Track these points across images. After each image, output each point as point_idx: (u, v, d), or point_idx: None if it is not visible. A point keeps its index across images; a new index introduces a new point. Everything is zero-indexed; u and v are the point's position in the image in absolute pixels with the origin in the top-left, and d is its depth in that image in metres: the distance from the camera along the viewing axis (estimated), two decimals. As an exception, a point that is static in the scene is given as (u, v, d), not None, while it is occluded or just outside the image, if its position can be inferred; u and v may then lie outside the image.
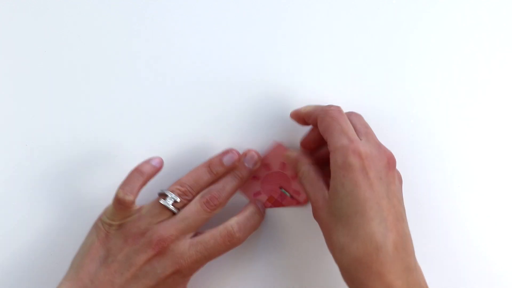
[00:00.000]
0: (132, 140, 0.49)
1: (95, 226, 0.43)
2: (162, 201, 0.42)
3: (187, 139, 0.48)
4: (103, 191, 0.48)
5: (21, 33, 0.50)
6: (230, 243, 0.43)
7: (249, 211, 0.45)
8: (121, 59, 0.49)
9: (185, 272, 0.42)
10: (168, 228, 0.41)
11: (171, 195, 0.43)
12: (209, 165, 0.44)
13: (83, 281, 0.41)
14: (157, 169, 0.44)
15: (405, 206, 0.40)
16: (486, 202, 0.47)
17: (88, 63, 0.49)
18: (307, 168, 0.42)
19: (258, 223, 0.45)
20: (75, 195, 0.49)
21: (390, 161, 0.40)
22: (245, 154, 0.45)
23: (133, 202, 0.42)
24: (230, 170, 0.45)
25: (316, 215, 0.41)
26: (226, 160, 0.45)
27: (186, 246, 0.41)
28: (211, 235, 0.42)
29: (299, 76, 0.48)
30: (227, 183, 0.44)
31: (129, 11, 0.49)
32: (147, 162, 0.44)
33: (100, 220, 0.43)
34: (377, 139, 0.41)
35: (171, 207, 0.42)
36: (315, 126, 0.43)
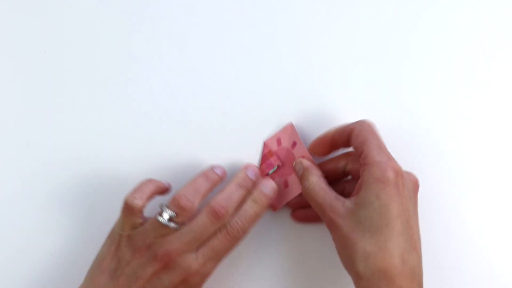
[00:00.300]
0: (132, 139, 0.49)
1: (109, 237, 0.44)
2: (159, 218, 0.42)
3: (187, 139, 0.48)
4: (103, 190, 0.48)
5: (21, 33, 0.50)
6: (234, 239, 0.43)
7: (249, 201, 0.44)
8: (121, 59, 0.49)
9: (193, 280, 0.42)
10: (173, 242, 0.41)
11: (166, 211, 0.42)
12: (206, 173, 0.44)
13: None
14: (165, 187, 0.45)
15: None
16: (486, 202, 0.47)
17: (88, 63, 0.49)
18: (316, 179, 0.43)
19: (260, 211, 0.44)
20: (75, 195, 0.49)
21: (416, 185, 0.42)
22: (246, 168, 0.45)
23: (141, 208, 0.42)
24: (222, 180, 0.45)
25: (334, 223, 0.40)
26: (218, 171, 0.45)
27: (193, 256, 0.41)
28: (215, 237, 0.42)
29: (298, 77, 0.48)
30: (233, 192, 0.43)
31: (129, 11, 0.49)
32: (156, 180, 0.44)
33: (112, 231, 0.44)
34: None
35: (169, 223, 0.41)
36: (344, 144, 0.43)
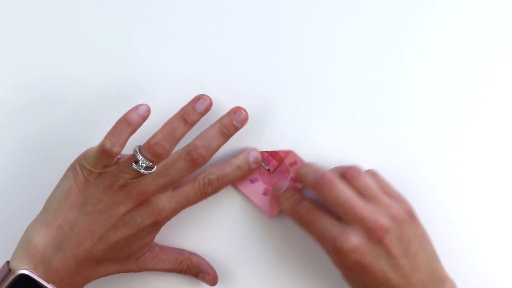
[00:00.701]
0: (132, 139, 0.49)
1: (73, 169, 0.43)
2: (134, 166, 0.41)
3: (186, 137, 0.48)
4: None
5: (21, 33, 0.50)
6: (206, 195, 0.43)
7: (233, 164, 0.44)
8: (121, 58, 0.49)
9: (162, 222, 0.43)
10: (149, 183, 0.41)
11: (142, 160, 0.41)
12: (182, 115, 0.43)
13: (63, 228, 0.41)
14: (144, 118, 0.42)
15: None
16: (486, 202, 0.47)
17: (88, 63, 0.49)
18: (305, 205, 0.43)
19: (240, 177, 0.45)
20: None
21: (378, 236, 0.40)
22: (234, 111, 0.45)
23: (119, 154, 0.42)
24: (202, 115, 0.44)
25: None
26: (199, 106, 0.43)
27: (167, 198, 0.42)
28: (191, 187, 0.43)
29: (298, 77, 0.48)
30: (213, 141, 0.43)
31: (129, 11, 0.49)
32: (134, 110, 0.42)
33: (79, 164, 0.42)
34: (387, 195, 0.43)
35: (145, 171, 0.41)
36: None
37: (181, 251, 0.46)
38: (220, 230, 0.48)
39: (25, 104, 0.49)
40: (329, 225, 0.41)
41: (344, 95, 0.48)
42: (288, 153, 0.47)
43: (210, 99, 0.44)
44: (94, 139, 0.48)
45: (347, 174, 0.43)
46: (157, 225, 0.43)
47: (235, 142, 0.47)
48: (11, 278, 0.40)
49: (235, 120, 0.44)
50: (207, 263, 0.46)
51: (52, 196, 0.43)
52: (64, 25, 0.50)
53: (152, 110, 0.48)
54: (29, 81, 0.49)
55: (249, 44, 0.49)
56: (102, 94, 0.49)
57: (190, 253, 0.46)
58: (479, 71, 0.48)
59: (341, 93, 0.48)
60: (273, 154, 0.47)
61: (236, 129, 0.44)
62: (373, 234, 0.40)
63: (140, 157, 0.41)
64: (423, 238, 0.42)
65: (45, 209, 0.42)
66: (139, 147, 0.42)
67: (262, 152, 0.47)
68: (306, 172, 0.44)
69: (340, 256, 0.40)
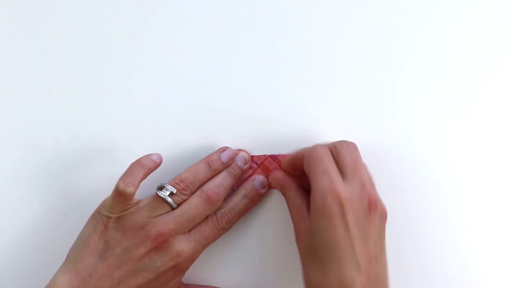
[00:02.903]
0: (132, 139, 0.49)
1: (93, 218, 0.43)
2: (159, 193, 0.42)
3: (186, 138, 0.48)
4: (103, 191, 0.48)
5: (21, 33, 0.50)
6: (222, 230, 0.44)
7: (240, 194, 0.46)
8: (121, 58, 0.49)
9: (184, 264, 0.42)
10: (167, 222, 0.42)
11: (168, 187, 0.43)
12: (208, 161, 0.45)
13: (81, 274, 0.41)
14: (157, 164, 0.44)
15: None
16: (486, 202, 0.47)
17: (88, 63, 0.49)
18: (292, 194, 0.43)
19: (248, 206, 0.46)
20: (75, 196, 0.49)
21: (371, 203, 0.40)
22: (236, 154, 0.47)
23: (133, 194, 0.42)
24: (226, 166, 0.46)
25: (297, 243, 0.42)
26: (224, 156, 0.46)
27: (186, 239, 0.42)
28: (206, 224, 0.43)
29: (299, 77, 0.48)
30: (224, 179, 0.45)
31: (129, 11, 0.49)
32: (148, 156, 0.44)
33: (98, 212, 0.43)
34: (365, 175, 0.41)
35: (168, 199, 0.42)
36: (302, 170, 0.43)
37: None
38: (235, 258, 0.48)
39: (25, 104, 0.49)
40: (333, 170, 0.40)
41: (344, 96, 0.48)
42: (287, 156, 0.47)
43: (234, 152, 0.46)
44: (94, 139, 0.49)
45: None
46: (178, 269, 0.42)
47: (237, 145, 0.48)
48: None
49: (239, 162, 0.46)
50: None
51: (73, 245, 0.43)
52: (64, 25, 0.50)
53: (153, 110, 0.49)
54: (29, 81, 0.49)
55: (250, 44, 0.49)
56: (102, 94, 0.49)
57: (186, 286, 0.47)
58: (479, 72, 0.48)
59: (341, 94, 0.48)
60: (273, 157, 0.47)
61: (240, 169, 0.46)
62: (367, 197, 0.40)
63: (165, 184, 0.43)
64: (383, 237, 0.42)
65: (67, 258, 0.43)
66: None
67: (263, 156, 0.47)
68: (298, 151, 0.44)
69: (330, 198, 0.39)
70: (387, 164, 0.47)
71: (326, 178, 0.39)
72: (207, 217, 0.44)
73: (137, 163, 0.43)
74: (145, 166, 0.43)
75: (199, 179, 0.44)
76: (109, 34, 0.49)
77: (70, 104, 0.49)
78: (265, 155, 0.47)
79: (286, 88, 0.48)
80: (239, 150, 0.47)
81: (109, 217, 0.42)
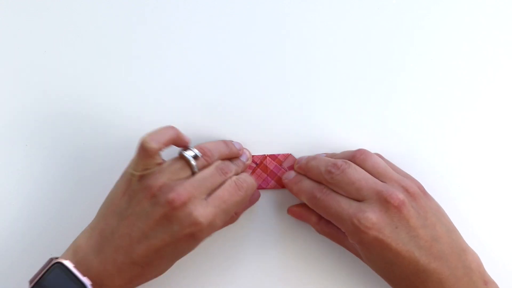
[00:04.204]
0: (133, 140, 0.49)
1: (121, 177, 0.43)
2: (183, 152, 0.42)
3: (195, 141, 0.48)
4: (103, 191, 0.48)
5: (21, 33, 0.50)
6: (240, 190, 0.43)
7: (246, 175, 0.45)
8: (121, 58, 0.49)
9: (201, 234, 0.41)
10: (186, 186, 0.41)
11: (193, 149, 0.43)
12: (224, 141, 0.46)
13: (105, 232, 0.41)
14: (186, 139, 0.44)
15: (439, 210, 0.42)
16: (486, 202, 0.47)
17: (88, 63, 0.49)
18: (317, 228, 0.46)
19: (256, 183, 0.46)
20: (75, 195, 0.49)
21: (396, 205, 0.41)
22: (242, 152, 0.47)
23: (156, 151, 0.42)
24: (240, 152, 0.47)
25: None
26: (236, 144, 0.47)
27: (203, 204, 0.41)
28: (222, 189, 0.42)
29: (300, 76, 0.48)
30: (233, 166, 0.45)
31: (129, 11, 0.49)
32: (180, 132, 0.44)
33: (125, 171, 0.43)
34: (373, 180, 0.43)
35: (192, 161, 0.42)
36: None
37: None
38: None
39: (25, 104, 0.49)
40: (346, 205, 0.41)
41: (343, 96, 0.48)
42: (287, 156, 0.47)
43: (240, 145, 0.47)
44: (94, 139, 0.49)
45: (355, 157, 0.44)
46: (195, 237, 0.41)
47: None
48: (49, 265, 0.41)
49: (243, 158, 0.47)
50: None
51: (103, 202, 0.44)
52: (64, 25, 0.50)
53: (153, 110, 0.49)
54: (29, 81, 0.49)
55: (251, 43, 0.49)
56: (102, 94, 0.49)
57: None
58: (479, 74, 0.48)
59: (340, 94, 0.48)
60: (273, 157, 0.47)
61: (245, 164, 0.47)
62: (390, 206, 0.40)
63: (190, 147, 0.43)
64: (438, 211, 0.42)
65: (96, 215, 0.43)
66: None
67: (262, 156, 0.47)
68: (317, 163, 0.44)
69: (359, 234, 0.40)
70: (387, 164, 0.47)
71: (346, 219, 0.41)
72: (223, 183, 0.43)
73: (168, 125, 0.43)
74: (175, 130, 0.43)
75: (220, 151, 0.44)
76: (109, 34, 0.49)
77: (70, 104, 0.49)
78: (264, 155, 0.47)
79: (286, 88, 0.48)
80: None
81: (132, 175, 0.42)
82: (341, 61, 0.48)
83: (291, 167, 0.47)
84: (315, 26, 0.48)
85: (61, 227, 0.48)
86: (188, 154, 0.42)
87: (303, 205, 0.46)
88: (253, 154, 0.47)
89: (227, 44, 0.49)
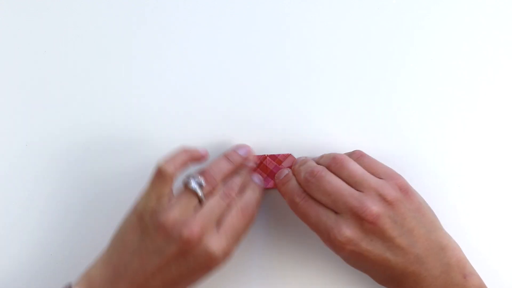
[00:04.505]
0: (133, 140, 0.49)
1: (132, 211, 0.43)
2: (188, 184, 0.42)
3: (185, 139, 0.48)
4: (104, 191, 0.48)
5: (21, 33, 0.50)
6: (246, 215, 0.43)
7: (251, 188, 0.45)
8: (121, 58, 0.49)
9: (217, 265, 0.42)
10: (198, 220, 0.41)
11: (196, 177, 0.43)
12: (225, 155, 0.45)
13: (119, 268, 0.42)
14: (202, 156, 0.44)
15: (419, 202, 0.42)
16: (486, 202, 0.47)
17: (88, 63, 0.49)
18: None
19: (260, 197, 0.45)
20: (75, 195, 0.49)
21: (370, 219, 0.41)
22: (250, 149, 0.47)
23: (173, 176, 0.42)
24: (245, 159, 0.46)
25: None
26: (239, 149, 0.46)
27: (217, 236, 0.41)
28: (230, 217, 0.43)
29: (300, 76, 0.48)
30: (238, 179, 0.45)
31: (129, 11, 0.49)
32: (194, 148, 0.44)
33: (136, 205, 0.43)
34: (375, 176, 0.43)
35: (198, 190, 0.42)
36: None
37: None
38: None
39: (25, 104, 0.49)
40: (324, 217, 0.42)
41: (343, 96, 0.48)
42: (287, 156, 0.47)
43: (248, 146, 0.47)
44: (94, 139, 0.49)
45: (331, 166, 0.44)
46: (211, 269, 0.42)
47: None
48: None
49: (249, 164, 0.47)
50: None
51: (112, 237, 0.44)
52: (64, 25, 0.50)
53: (153, 109, 0.49)
54: (29, 81, 0.49)
55: (252, 43, 0.49)
56: (102, 94, 0.49)
57: None
58: (479, 74, 0.48)
59: (341, 95, 0.48)
60: (273, 157, 0.47)
61: (249, 167, 0.47)
62: (365, 222, 0.40)
63: (192, 175, 0.43)
64: (418, 211, 0.42)
65: (107, 250, 0.43)
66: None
67: (262, 156, 0.47)
68: (299, 170, 0.44)
69: (336, 247, 0.41)
70: (387, 164, 0.47)
71: (322, 229, 0.42)
72: (229, 207, 0.43)
73: (181, 148, 0.44)
74: (189, 152, 0.44)
75: (222, 172, 0.44)
76: (109, 34, 0.49)
77: (70, 104, 0.49)
78: (264, 155, 0.47)
79: (286, 88, 0.48)
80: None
81: (144, 209, 0.42)
82: (341, 61, 0.48)
83: (291, 167, 0.47)
84: (315, 26, 0.48)
85: (61, 226, 0.48)
86: (194, 185, 0.42)
87: None
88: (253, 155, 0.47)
89: (227, 44, 0.49)
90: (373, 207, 0.40)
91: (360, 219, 0.40)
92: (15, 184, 0.49)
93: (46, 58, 0.50)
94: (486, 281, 0.42)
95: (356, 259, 0.41)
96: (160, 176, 0.42)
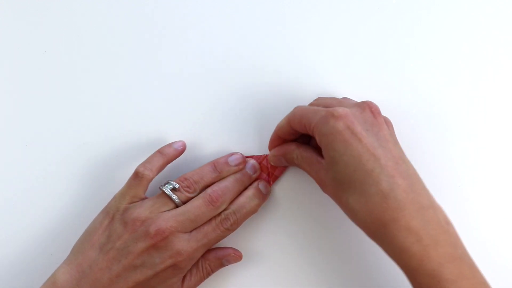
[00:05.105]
0: (133, 140, 0.49)
1: (102, 212, 0.44)
2: (162, 187, 0.43)
3: (185, 137, 0.48)
4: (103, 191, 0.48)
5: (21, 33, 0.50)
6: (226, 231, 0.43)
7: (246, 196, 0.45)
8: (121, 58, 0.49)
9: (184, 263, 0.42)
10: (168, 219, 0.41)
11: (171, 182, 0.43)
12: (214, 163, 0.45)
13: (82, 266, 0.41)
14: (179, 152, 0.45)
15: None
16: (487, 202, 0.47)
17: (88, 63, 0.49)
18: (296, 153, 0.43)
19: (256, 207, 0.45)
20: (75, 195, 0.49)
21: (372, 109, 0.40)
22: (245, 159, 0.46)
23: (150, 179, 0.43)
24: (234, 171, 0.45)
25: (324, 189, 0.41)
26: (232, 160, 0.45)
27: (186, 238, 0.42)
28: (209, 225, 0.43)
29: (300, 75, 0.48)
30: (231, 184, 0.44)
31: (129, 11, 0.49)
32: (170, 145, 0.45)
33: (107, 206, 0.44)
34: (353, 100, 0.42)
35: (172, 195, 0.42)
36: (293, 136, 0.44)
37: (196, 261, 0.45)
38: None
39: (25, 104, 0.49)
40: (323, 108, 0.41)
41: (343, 96, 0.48)
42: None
43: (242, 157, 0.46)
44: (94, 139, 0.49)
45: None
46: (178, 267, 0.42)
47: (236, 145, 0.48)
48: None
49: (249, 171, 0.46)
50: (221, 248, 0.46)
51: (79, 238, 0.44)
52: (64, 25, 0.50)
53: (153, 109, 0.49)
54: (29, 81, 0.49)
55: (251, 42, 0.49)
56: (102, 93, 0.49)
57: (202, 255, 0.45)
58: (480, 74, 0.48)
59: (341, 96, 0.48)
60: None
61: (250, 177, 0.46)
62: (366, 108, 0.40)
63: (169, 180, 0.43)
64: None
65: (72, 250, 0.43)
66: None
67: (262, 156, 0.47)
68: (281, 122, 0.44)
69: (331, 121, 0.38)
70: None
71: (319, 112, 0.40)
72: (212, 218, 0.43)
73: (157, 151, 0.45)
74: (165, 155, 0.44)
75: (204, 179, 0.44)
76: (109, 34, 0.49)
77: (70, 104, 0.49)
78: (264, 155, 0.47)
79: (286, 88, 0.48)
80: (248, 157, 0.47)
81: (117, 208, 0.42)
82: (341, 61, 0.48)
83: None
84: (315, 26, 0.48)
85: (61, 226, 0.48)
86: (167, 188, 0.43)
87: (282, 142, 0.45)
88: (253, 154, 0.47)
89: (226, 43, 0.49)
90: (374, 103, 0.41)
91: (364, 105, 0.40)
92: (15, 184, 0.49)
93: (46, 58, 0.50)
94: (488, 279, 0.42)
95: (345, 143, 0.38)
96: (136, 178, 0.43)
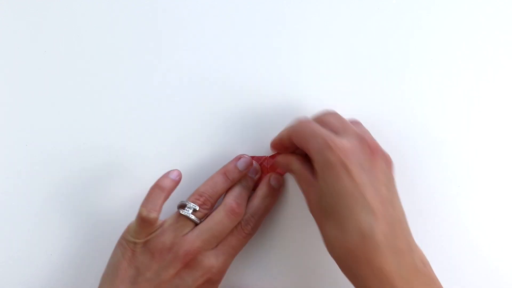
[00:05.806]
0: (133, 140, 0.49)
1: (120, 245, 0.43)
2: (182, 211, 0.43)
3: (185, 138, 0.48)
4: (103, 191, 0.48)
5: (21, 33, 0.50)
6: (249, 236, 0.45)
7: (259, 196, 0.45)
8: (121, 58, 0.49)
9: (216, 277, 0.43)
10: (193, 241, 0.42)
11: (190, 204, 0.43)
12: (224, 172, 0.45)
13: None
14: (177, 182, 0.44)
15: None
16: (486, 202, 0.47)
17: (88, 63, 0.49)
18: (296, 166, 0.43)
19: (270, 205, 0.46)
20: (75, 195, 0.49)
21: (372, 148, 0.40)
22: (252, 161, 0.47)
23: (157, 219, 0.42)
24: (245, 175, 0.46)
25: (311, 211, 0.41)
26: (240, 164, 0.46)
27: (214, 253, 0.42)
28: (232, 235, 0.44)
29: (301, 78, 0.48)
30: (242, 190, 0.45)
31: (129, 11, 0.49)
32: (166, 176, 0.43)
33: (124, 239, 0.43)
34: (357, 129, 0.41)
35: (192, 216, 0.43)
36: (293, 145, 0.43)
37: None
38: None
39: (25, 104, 0.49)
40: (323, 129, 0.40)
41: (344, 99, 0.48)
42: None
43: (251, 159, 0.46)
44: (94, 139, 0.49)
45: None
46: (212, 282, 0.43)
47: (236, 146, 0.48)
48: None
49: (251, 175, 0.46)
50: None
51: (104, 273, 0.43)
52: (64, 25, 0.50)
53: (153, 109, 0.49)
54: (29, 81, 0.49)
55: (252, 46, 0.49)
56: (102, 93, 0.49)
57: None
58: (480, 74, 0.48)
59: (341, 96, 0.48)
60: (273, 157, 0.47)
61: (253, 180, 0.46)
62: (365, 145, 0.39)
63: (186, 202, 0.43)
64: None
65: (100, 286, 0.43)
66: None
67: (261, 157, 0.47)
68: (284, 132, 0.44)
69: (327, 152, 0.38)
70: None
71: (319, 138, 0.39)
72: (232, 230, 0.44)
73: (156, 186, 0.43)
74: (165, 189, 0.43)
75: (218, 192, 0.44)
76: (110, 34, 0.49)
77: (70, 104, 0.49)
78: (264, 156, 0.47)
79: (286, 89, 0.48)
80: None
81: (135, 243, 0.42)
82: (341, 62, 0.48)
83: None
84: (315, 26, 0.48)
85: (61, 226, 0.48)
86: (187, 212, 0.43)
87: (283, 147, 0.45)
88: (253, 155, 0.47)
89: (227, 44, 0.49)
90: (374, 141, 0.40)
91: (363, 140, 0.39)
92: (15, 184, 0.49)
93: (46, 58, 0.50)
94: (486, 281, 0.42)
95: (337, 175, 0.38)
96: (144, 222, 0.42)
